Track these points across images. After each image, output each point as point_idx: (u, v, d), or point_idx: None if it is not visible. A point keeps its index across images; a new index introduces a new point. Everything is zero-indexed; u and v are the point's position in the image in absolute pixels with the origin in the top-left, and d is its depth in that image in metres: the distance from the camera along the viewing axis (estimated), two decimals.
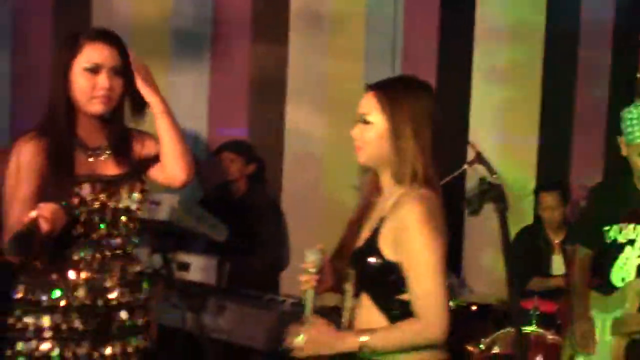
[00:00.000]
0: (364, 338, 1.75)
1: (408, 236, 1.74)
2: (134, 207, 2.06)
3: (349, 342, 1.76)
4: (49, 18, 4.28)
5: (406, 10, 4.22)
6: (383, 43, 4.21)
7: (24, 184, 1.97)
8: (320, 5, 4.25)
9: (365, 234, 1.85)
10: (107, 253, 2.02)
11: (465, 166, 3.58)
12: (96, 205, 2.00)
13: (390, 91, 1.84)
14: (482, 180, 1.90)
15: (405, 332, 1.76)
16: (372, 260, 1.79)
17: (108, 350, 2.02)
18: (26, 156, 1.99)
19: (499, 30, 4.25)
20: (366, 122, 1.83)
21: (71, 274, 1.99)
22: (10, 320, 2.01)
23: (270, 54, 4.25)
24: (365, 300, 1.82)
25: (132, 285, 2.06)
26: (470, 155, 3.66)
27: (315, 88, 4.22)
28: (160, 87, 3.97)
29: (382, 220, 1.81)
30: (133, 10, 4.17)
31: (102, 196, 2.01)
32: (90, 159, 2.04)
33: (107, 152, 2.07)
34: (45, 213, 1.79)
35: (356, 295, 1.85)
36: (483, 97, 4.24)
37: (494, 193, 1.82)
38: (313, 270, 1.87)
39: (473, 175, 3.68)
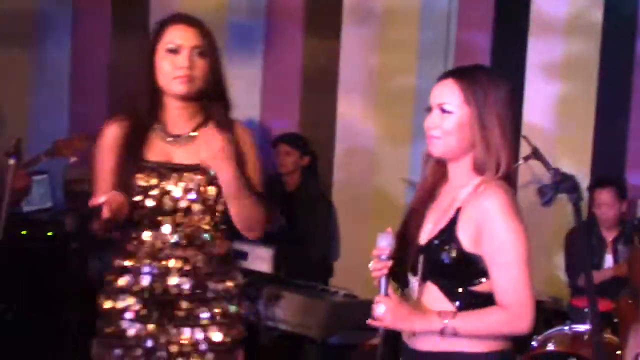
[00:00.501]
0: (448, 320, 1.72)
1: (494, 227, 1.72)
2: (206, 199, 2.04)
3: (432, 322, 1.74)
4: (107, 17, 4.39)
5: (460, 4, 4.18)
6: (436, 37, 4.19)
7: (104, 163, 2.07)
8: None
9: (437, 224, 1.82)
10: (171, 241, 2.03)
11: (521, 161, 3.51)
12: (161, 192, 2.02)
13: (474, 80, 1.79)
14: (556, 171, 1.87)
15: (492, 320, 1.74)
16: (449, 250, 1.76)
17: (172, 337, 2.04)
18: (108, 137, 2.08)
19: (554, 23, 4.18)
20: (446, 112, 1.77)
21: (135, 259, 2.05)
22: (97, 302, 2.11)
23: (322, 47, 4.28)
24: (433, 290, 1.80)
25: (196, 276, 2.04)
26: (524, 150, 3.61)
27: (367, 82, 4.23)
28: None
29: (458, 210, 1.78)
30: (189, 5, 4.24)
31: (170, 184, 2.01)
32: (168, 146, 2.05)
33: (189, 140, 2.06)
34: (111, 201, 1.86)
35: (421, 284, 1.81)
36: (537, 92, 4.18)
37: (568, 184, 1.79)
38: (385, 256, 1.78)
39: (526, 171, 3.64)
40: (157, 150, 2.05)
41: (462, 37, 4.23)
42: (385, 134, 4.23)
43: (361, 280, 2.87)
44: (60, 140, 2.78)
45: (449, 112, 1.77)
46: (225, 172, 1.97)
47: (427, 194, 1.88)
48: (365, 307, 1.90)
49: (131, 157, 2.02)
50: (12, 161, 2.23)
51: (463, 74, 1.82)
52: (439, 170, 1.87)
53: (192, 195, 2.03)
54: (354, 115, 4.26)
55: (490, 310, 1.74)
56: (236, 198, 2.01)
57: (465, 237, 1.76)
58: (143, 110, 2.05)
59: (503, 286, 1.72)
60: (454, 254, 1.76)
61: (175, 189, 2.02)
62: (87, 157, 3.08)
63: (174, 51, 2.01)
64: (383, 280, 1.78)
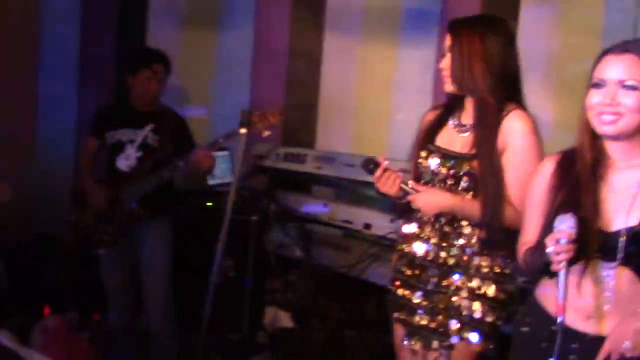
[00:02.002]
0: None
1: None
2: (464, 188, 2.18)
3: None
4: (288, 0, 4.56)
5: None
6: (623, 19, 3.93)
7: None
8: None
9: (628, 208, 1.76)
10: (432, 219, 2.22)
11: None
12: (432, 174, 2.22)
13: None
14: None
15: None
16: None
17: (420, 301, 2.24)
18: (422, 122, 2.33)
19: None
20: (629, 88, 1.74)
21: (407, 228, 2.29)
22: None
23: None
24: (627, 274, 1.77)
25: (450, 251, 2.21)
26: None
27: (546, 65, 4.06)
28: (390, 60, 4.09)
29: None
30: None
31: (444, 170, 2.20)
32: (455, 134, 2.23)
33: (469, 130, 2.23)
34: (385, 170, 2.19)
35: (617, 269, 1.77)
36: None
37: None
38: (565, 240, 1.71)
39: None
40: (445, 136, 2.24)
41: None
42: (563, 121, 4.06)
43: None
44: (255, 114, 2.91)
45: (635, 88, 1.73)
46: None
47: (591, 173, 1.83)
48: None
49: (423, 139, 2.26)
50: (243, 130, 2.40)
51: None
52: (597, 152, 1.83)
53: (452, 181, 2.19)
54: (530, 100, 4.12)
55: None
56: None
57: None
58: (443, 102, 2.30)
59: None
60: None
61: (443, 172, 2.20)
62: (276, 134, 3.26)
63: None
64: (563, 272, 1.71)
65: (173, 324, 3.51)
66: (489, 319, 2.18)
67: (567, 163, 1.88)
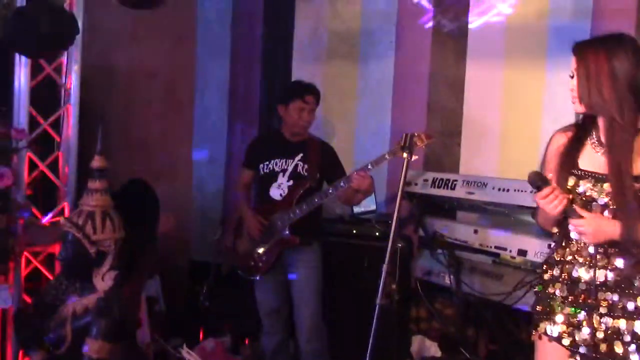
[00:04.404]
0: None
1: None
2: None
3: None
4: (429, 29, 4.55)
5: None
6: None
7: (548, 165, 2.28)
8: None
9: None
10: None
11: None
12: (588, 199, 2.17)
13: None
14: None
15: None
16: None
17: (596, 325, 2.17)
18: (554, 144, 2.30)
19: None
20: None
21: (563, 253, 2.24)
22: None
23: None
24: None
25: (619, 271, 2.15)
26: None
27: None
28: (538, 82, 3.97)
29: None
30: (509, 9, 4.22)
31: (595, 192, 2.16)
32: (599, 156, 2.19)
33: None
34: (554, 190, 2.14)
35: None
36: None
37: None
38: None
39: None
40: (588, 158, 2.21)
41: None
42: None
43: None
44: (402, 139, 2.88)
45: None
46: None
47: None
48: None
49: (565, 163, 2.22)
50: (405, 155, 2.39)
51: None
52: None
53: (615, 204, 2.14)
54: None
55: None
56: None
57: None
58: (580, 124, 2.26)
59: None
60: None
61: (600, 197, 2.15)
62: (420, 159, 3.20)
63: None
64: None
65: (323, 346, 3.57)
66: None
67: None
